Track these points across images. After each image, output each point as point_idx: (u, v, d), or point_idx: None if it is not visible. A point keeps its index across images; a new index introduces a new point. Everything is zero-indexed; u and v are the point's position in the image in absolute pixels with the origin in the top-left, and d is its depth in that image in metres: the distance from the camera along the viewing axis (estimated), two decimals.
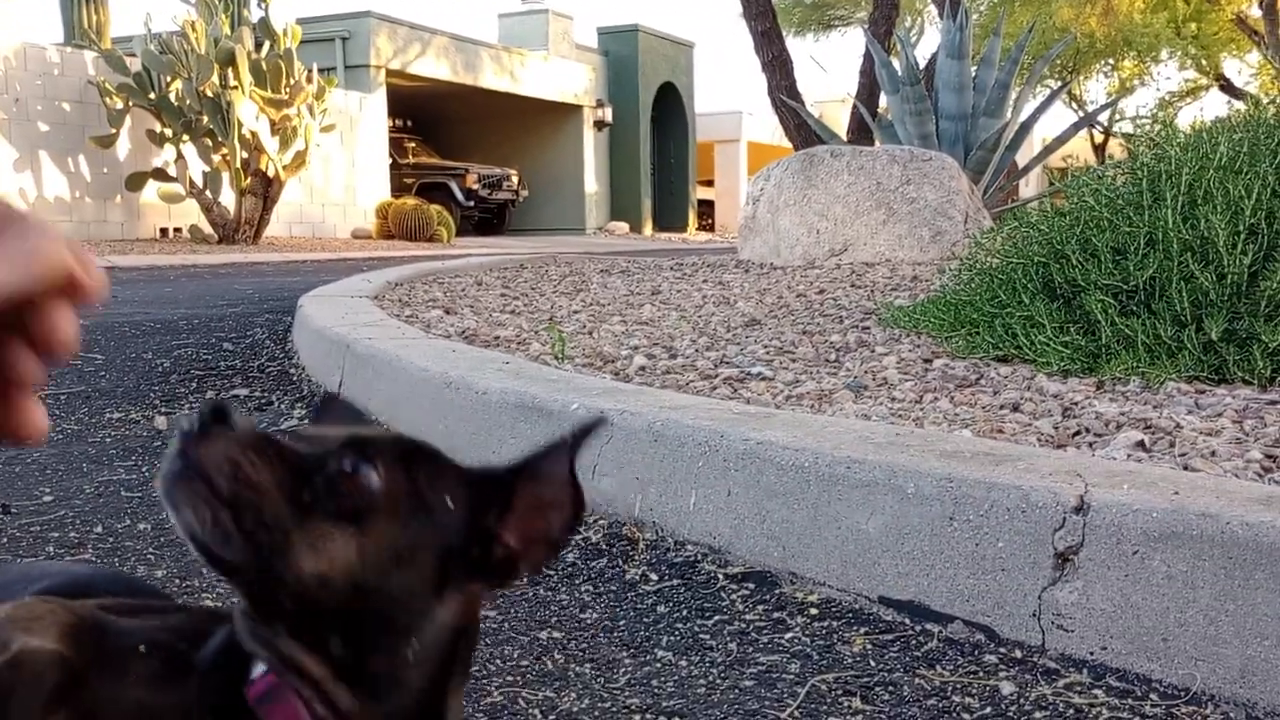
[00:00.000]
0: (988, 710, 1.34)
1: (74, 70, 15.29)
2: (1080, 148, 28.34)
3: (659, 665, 1.48)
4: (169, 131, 14.72)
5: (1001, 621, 1.52)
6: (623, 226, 27.26)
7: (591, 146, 27.21)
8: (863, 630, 1.58)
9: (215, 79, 14.17)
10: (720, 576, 1.80)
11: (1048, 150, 9.74)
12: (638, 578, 1.81)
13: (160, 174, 15.02)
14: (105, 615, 0.67)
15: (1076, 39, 21.54)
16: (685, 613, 1.66)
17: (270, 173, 15.08)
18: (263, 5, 14.90)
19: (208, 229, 15.30)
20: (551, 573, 1.84)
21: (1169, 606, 1.38)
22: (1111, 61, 27.12)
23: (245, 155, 14.73)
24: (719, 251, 10.68)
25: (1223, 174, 2.72)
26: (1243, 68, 29.44)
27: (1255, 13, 23.26)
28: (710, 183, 33.42)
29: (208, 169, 14.94)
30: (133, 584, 0.94)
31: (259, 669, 0.64)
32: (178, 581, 1.78)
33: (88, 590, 0.75)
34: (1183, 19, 24.76)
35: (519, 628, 1.61)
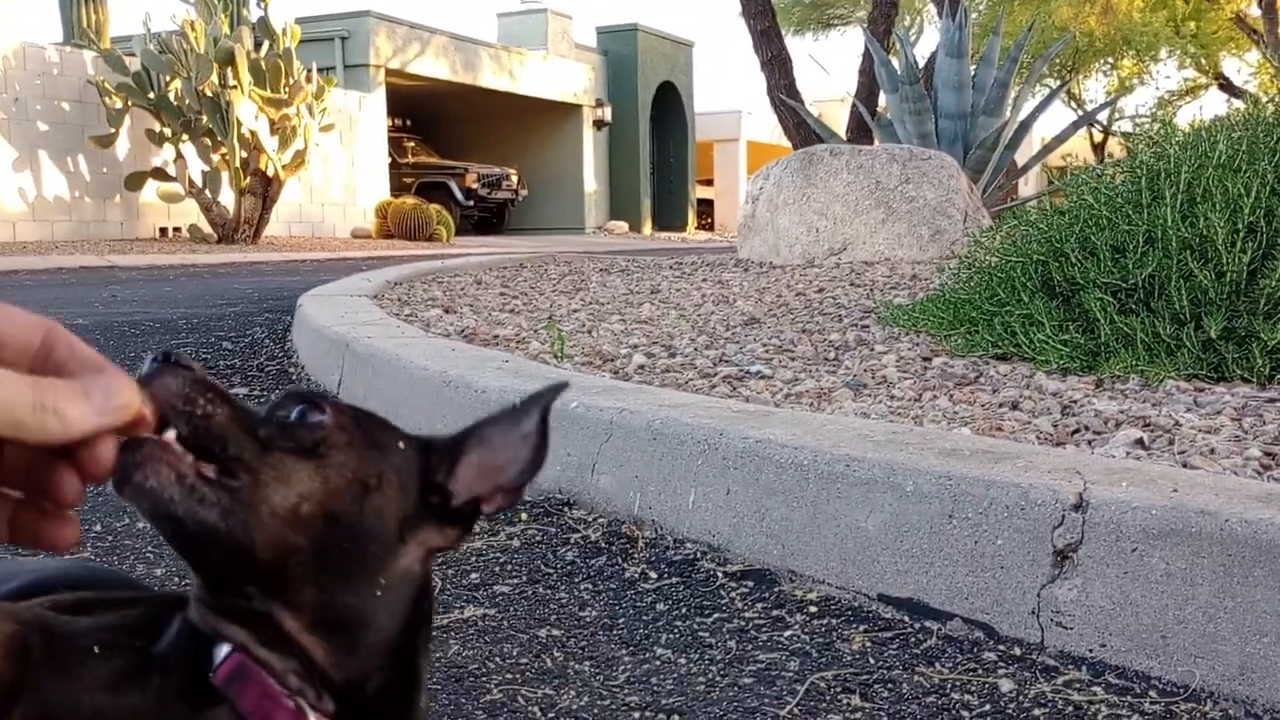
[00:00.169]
0: (987, 707, 1.34)
1: (73, 70, 15.29)
2: (1079, 146, 28.36)
3: (658, 663, 1.48)
4: (168, 131, 14.72)
5: (1000, 619, 1.52)
6: (622, 226, 27.26)
7: (591, 146, 27.21)
8: (862, 628, 1.59)
9: (214, 78, 14.18)
10: (719, 574, 1.80)
11: (1047, 149, 9.75)
12: (637, 576, 1.81)
13: (159, 173, 15.02)
14: (54, 617, 0.65)
15: (1075, 38, 21.55)
16: (684, 611, 1.66)
17: (269, 172, 15.09)
18: (262, 5, 14.90)
19: (207, 228, 15.30)
20: (550, 571, 1.84)
21: (1168, 604, 1.38)
22: (1110, 60, 27.13)
23: (244, 155, 14.74)
24: (718, 250, 10.69)
25: (1222, 172, 2.72)
26: (1242, 66, 29.47)
27: (1254, 12, 23.27)
28: (709, 182, 33.43)
29: (207, 168, 14.95)
30: (108, 577, 0.92)
31: (222, 651, 0.63)
32: (177, 580, 1.78)
33: (51, 589, 0.73)
34: (1182, 18, 24.77)
35: (518, 625, 1.61)
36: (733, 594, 1.72)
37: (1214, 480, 1.51)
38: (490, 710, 1.35)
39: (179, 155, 14.84)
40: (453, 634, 1.57)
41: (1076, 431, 2.08)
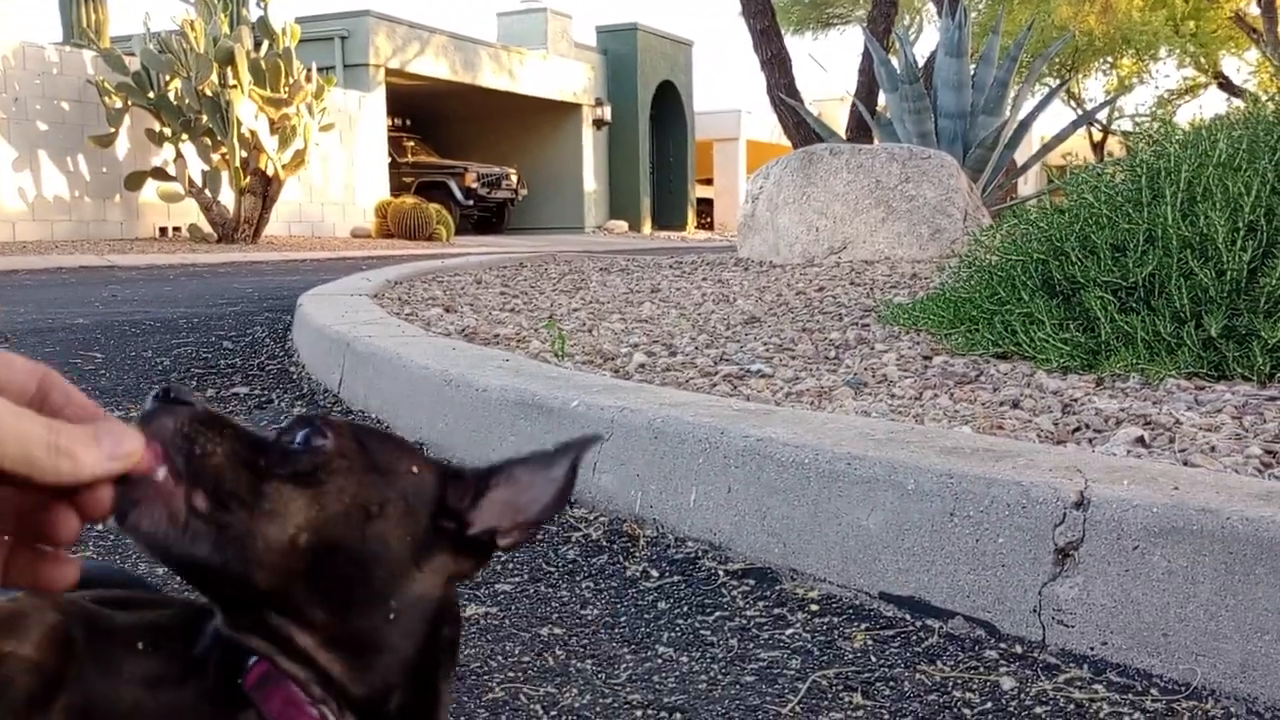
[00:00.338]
0: (988, 705, 1.34)
1: (73, 69, 15.28)
2: (1079, 145, 28.38)
3: (660, 661, 1.48)
4: (168, 131, 14.72)
5: (1002, 617, 1.52)
6: (622, 225, 27.26)
7: (590, 145, 27.21)
8: (863, 626, 1.59)
9: (214, 78, 14.17)
10: (721, 573, 1.80)
11: (1046, 148, 9.74)
12: (638, 574, 1.81)
13: (159, 173, 15.01)
14: (98, 610, 0.67)
15: (1075, 37, 21.55)
16: (686, 609, 1.66)
17: (269, 172, 15.08)
18: (261, 4, 14.89)
19: (207, 228, 15.30)
20: (551, 570, 1.84)
21: (1169, 602, 1.39)
22: (1110, 59, 27.14)
23: (244, 154, 14.73)
24: (718, 250, 10.68)
25: (1222, 171, 2.72)
26: (1241, 65, 29.47)
27: (1254, 10, 23.28)
28: (709, 181, 33.43)
29: (207, 168, 14.94)
30: (126, 577, 0.94)
31: (254, 657, 0.65)
32: (178, 580, 1.78)
33: (86, 585, 0.75)
34: (1181, 17, 24.77)
35: (520, 624, 1.61)
36: (734, 592, 1.73)
37: (1215, 478, 1.52)
38: (492, 709, 1.35)
39: (179, 155, 14.83)
40: None
41: (1077, 430, 2.08)
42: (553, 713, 1.34)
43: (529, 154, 26.52)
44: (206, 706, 0.65)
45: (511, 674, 1.44)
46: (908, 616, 1.60)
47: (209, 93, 14.30)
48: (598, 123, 27.25)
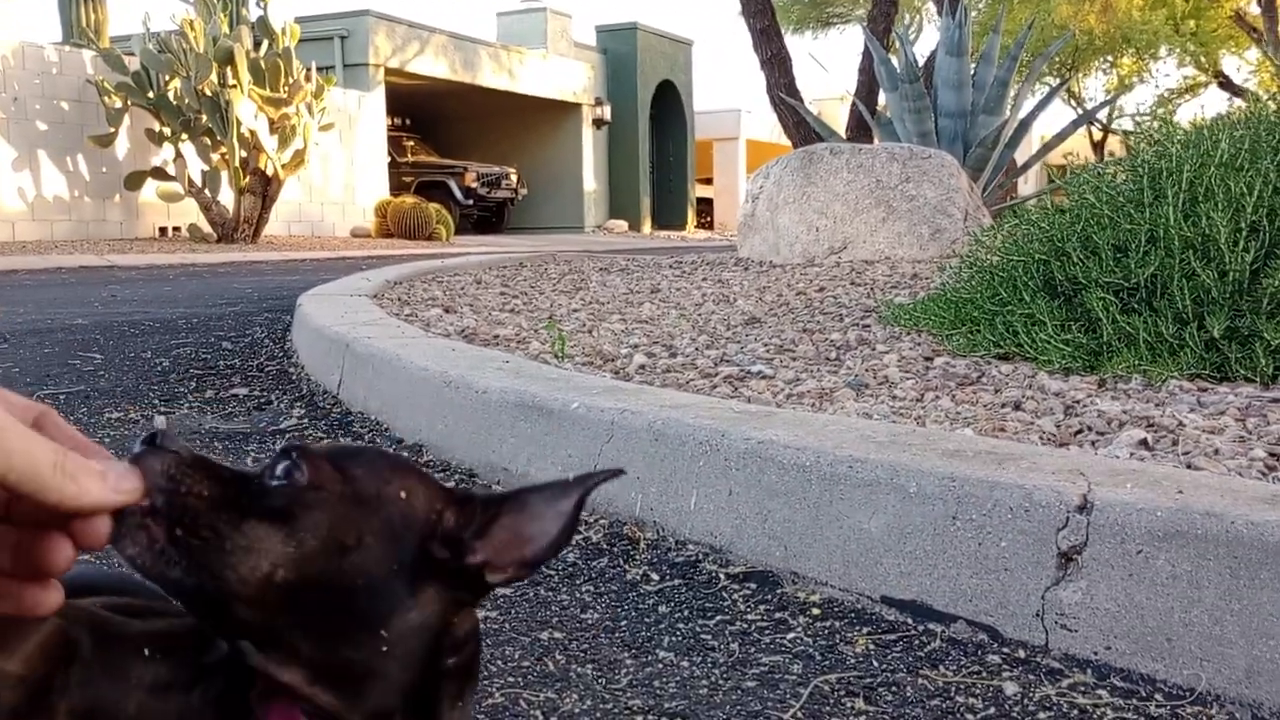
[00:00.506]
0: (991, 711, 1.33)
1: (72, 69, 15.28)
2: (1079, 145, 28.37)
3: (661, 666, 1.47)
4: (168, 130, 14.71)
5: (1005, 621, 1.51)
6: (621, 225, 27.25)
7: (590, 145, 27.21)
8: (865, 630, 1.58)
9: (214, 78, 14.17)
10: (722, 576, 1.79)
11: (1047, 148, 9.74)
12: (639, 578, 1.80)
13: (159, 173, 15.01)
14: (109, 616, 0.68)
15: (1075, 36, 21.54)
16: (687, 613, 1.66)
17: (269, 171, 15.08)
18: (261, 4, 14.89)
19: (206, 228, 15.29)
20: (551, 574, 1.83)
21: (1173, 606, 1.38)
22: (1110, 59, 27.14)
23: (244, 154, 14.73)
24: (718, 249, 10.68)
25: (1224, 171, 2.71)
26: (1242, 65, 29.46)
27: (1254, 9, 23.27)
28: (709, 180, 33.43)
29: (206, 168, 14.94)
30: (140, 585, 0.94)
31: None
32: None
33: (97, 591, 0.75)
34: (1181, 16, 24.77)
35: (520, 628, 1.60)
36: (735, 596, 1.72)
37: (1220, 481, 1.51)
38: (492, 714, 1.34)
39: (178, 155, 14.83)
40: None
41: (1080, 432, 2.07)
42: (553, 718, 1.33)
43: (529, 154, 26.52)
44: (211, 714, 0.65)
45: (511, 679, 1.43)
46: (910, 621, 1.59)
47: (209, 92, 14.30)
48: (597, 122, 27.25)
